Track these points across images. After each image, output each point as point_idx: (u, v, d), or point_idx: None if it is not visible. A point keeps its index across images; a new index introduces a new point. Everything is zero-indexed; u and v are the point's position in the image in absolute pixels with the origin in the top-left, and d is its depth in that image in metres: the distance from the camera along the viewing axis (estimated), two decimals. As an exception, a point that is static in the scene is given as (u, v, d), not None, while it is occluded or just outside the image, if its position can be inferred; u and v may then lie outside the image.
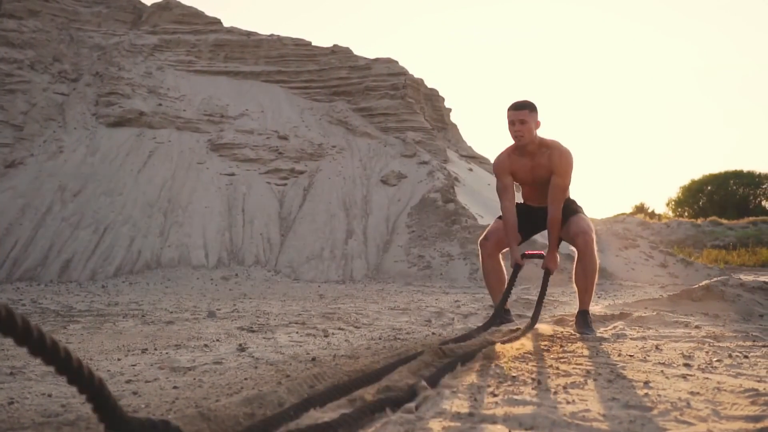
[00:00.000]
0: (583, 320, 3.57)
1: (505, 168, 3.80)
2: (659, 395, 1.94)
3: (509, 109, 3.68)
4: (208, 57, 18.25)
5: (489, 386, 2.07)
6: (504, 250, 3.90)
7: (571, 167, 3.64)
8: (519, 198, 4.08)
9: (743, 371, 2.37)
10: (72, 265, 10.55)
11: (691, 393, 1.98)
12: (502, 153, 3.89)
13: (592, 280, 3.62)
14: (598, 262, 3.66)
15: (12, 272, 10.24)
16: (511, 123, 3.66)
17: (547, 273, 3.82)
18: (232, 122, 15.66)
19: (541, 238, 12.36)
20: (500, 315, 3.90)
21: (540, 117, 3.69)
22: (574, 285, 3.71)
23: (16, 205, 11.77)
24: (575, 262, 3.67)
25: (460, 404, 1.85)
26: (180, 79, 17.01)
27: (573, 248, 3.72)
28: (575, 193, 3.74)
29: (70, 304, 6.26)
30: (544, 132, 3.76)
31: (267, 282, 10.24)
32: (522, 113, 3.61)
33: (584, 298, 3.64)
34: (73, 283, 9.70)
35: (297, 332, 3.91)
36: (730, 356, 2.69)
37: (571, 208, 3.76)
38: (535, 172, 3.72)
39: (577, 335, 3.38)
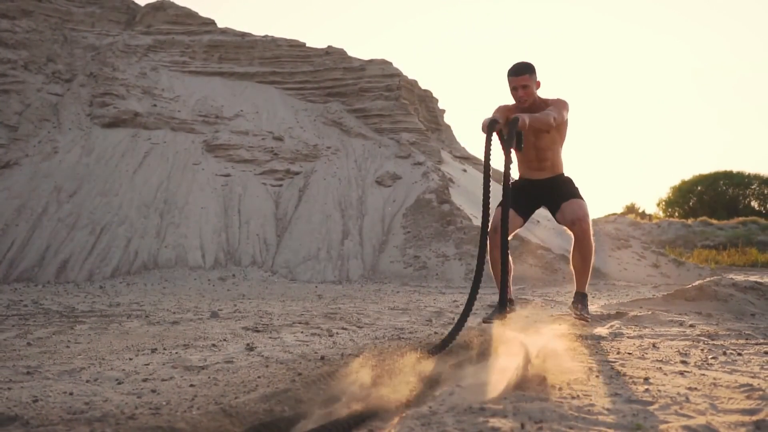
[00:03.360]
0: (580, 300, 3.69)
1: (502, 112, 3.74)
2: (659, 390, 2.04)
3: (510, 75, 3.69)
4: (203, 58, 18.27)
5: (497, 382, 2.16)
6: (510, 237, 3.97)
7: (567, 108, 3.67)
8: (515, 174, 4.13)
9: (738, 368, 2.48)
10: (69, 266, 10.57)
11: (689, 388, 2.08)
12: (504, 105, 3.83)
13: (588, 263, 3.70)
14: (593, 245, 3.75)
15: (9, 273, 10.25)
16: (514, 89, 3.69)
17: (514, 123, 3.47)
18: (227, 123, 15.70)
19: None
20: (506, 304, 4.02)
21: (538, 76, 3.73)
22: (572, 268, 3.80)
23: (12, 206, 11.78)
24: (572, 247, 3.77)
25: (470, 398, 1.94)
26: (174, 80, 17.03)
27: (570, 233, 3.80)
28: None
29: (71, 304, 6.31)
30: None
31: (264, 282, 10.31)
32: (523, 78, 3.64)
33: (581, 280, 3.75)
34: (71, 284, 9.73)
35: (302, 332, 3.99)
36: (724, 354, 2.80)
37: (570, 189, 3.82)
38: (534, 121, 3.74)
39: (577, 335, 3.48)
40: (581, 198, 3.80)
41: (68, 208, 11.98)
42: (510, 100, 3.83)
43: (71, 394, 2.32)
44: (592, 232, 3.70)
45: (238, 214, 12.80)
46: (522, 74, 3.68)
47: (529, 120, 3.47)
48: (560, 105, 3.69)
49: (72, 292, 8.22)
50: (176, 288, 8.99)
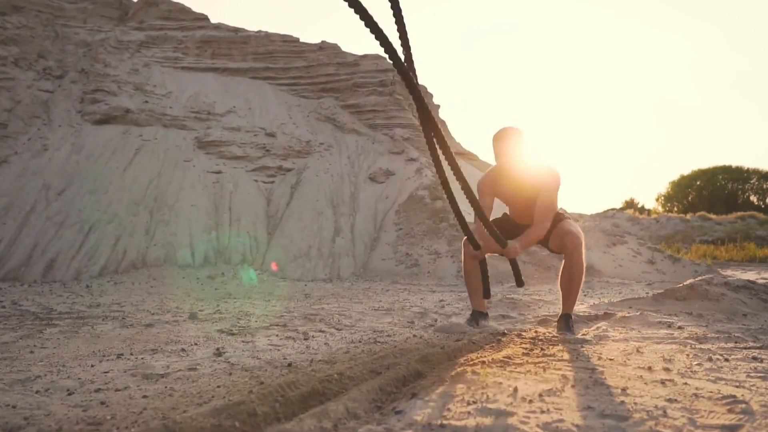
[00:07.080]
0: (565, 324, 3.54)
1: (488, 188, 3.73)
2: (636, 403, 1.91)
3: (494, 139, 3.61)
4: (195, 53, 18.10)
5: (464, 394, 2.02)
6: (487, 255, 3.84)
7: (558, 185, 3.53)
8: (506, 210, 4.04)
9: (723, 375, 2.35)
10: (56, 265, 10.42)
11: (669, 400, 1.95)
12: (487, 172, 3.83)
13: (577, 284, 3.52)
14: (585, 266, 3.59)
15: (-5, 272, 10.10)
16: (497, 155, 3.62)
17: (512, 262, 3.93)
18: (219, 119, 15.53)
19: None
20: (478, 317, 3.90)
21: (527, 140, 3.60)
22: (559, 287, 3.64)
23: (0, 204, 11.62)
24: (562, 264, 3.61)
25: (431, 414, 1.80)
26: (167, 76, 16.85)
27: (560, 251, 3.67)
28: (567, 187, 3.68)
29: (50, 305, 6.17)
30: (537, 149, 3.71)
31: (254, 281, 10.17)
32: (509, 142, 3.57)
33: (568, 301, 3.58)
34: (57, 283, 9.59)
35: (277, 335, 3.86)
36: (710, 359, 2.67)
37: (559, 217, 3.69)
38: (521, 192, 3.64)
39: (559, 337, 3.35)
40: (569, 218, 3.70)
41: (57, 206, 11.82)
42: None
43: (14, 407, 2.18)
44: (584, 252, 3.55)
45: (229, 212, 12.65)
46: (507, 138, 3.57)
47: (521, 246, 3.51)
48: (551, 183, 3.53)
49: (56, 292, 8.07)
50: (163, 287, 8.85)
